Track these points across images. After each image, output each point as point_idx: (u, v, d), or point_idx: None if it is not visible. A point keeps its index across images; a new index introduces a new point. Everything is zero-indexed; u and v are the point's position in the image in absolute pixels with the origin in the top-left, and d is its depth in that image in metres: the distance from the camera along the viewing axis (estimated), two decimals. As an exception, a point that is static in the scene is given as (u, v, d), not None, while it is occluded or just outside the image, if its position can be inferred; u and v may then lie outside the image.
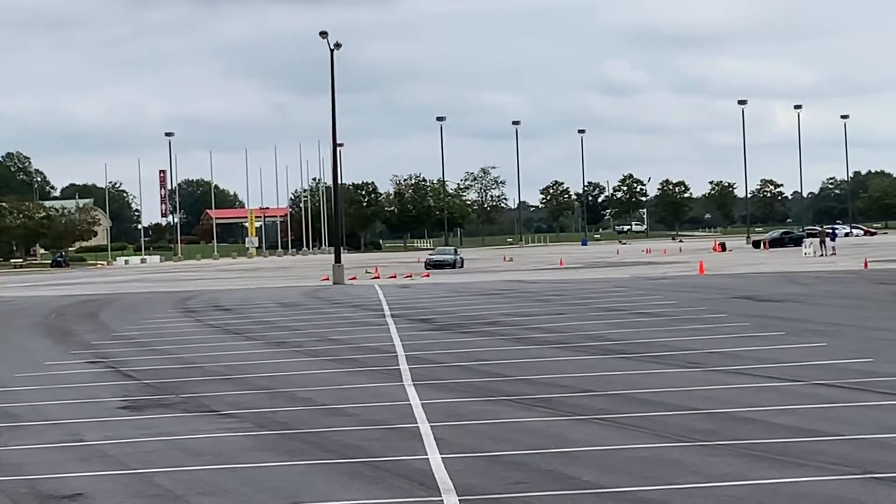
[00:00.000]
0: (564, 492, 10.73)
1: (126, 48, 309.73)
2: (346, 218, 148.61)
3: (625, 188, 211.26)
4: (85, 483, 11.79)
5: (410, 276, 62.56)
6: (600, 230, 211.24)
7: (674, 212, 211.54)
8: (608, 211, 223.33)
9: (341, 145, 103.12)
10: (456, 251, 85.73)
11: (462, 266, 76.98)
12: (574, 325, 27.93)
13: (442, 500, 10.52)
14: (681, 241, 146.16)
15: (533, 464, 11.98)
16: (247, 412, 16.13)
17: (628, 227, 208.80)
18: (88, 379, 20.75)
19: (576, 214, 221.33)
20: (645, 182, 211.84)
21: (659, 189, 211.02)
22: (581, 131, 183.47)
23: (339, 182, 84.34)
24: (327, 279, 60.00)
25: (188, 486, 11.55)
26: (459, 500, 10.50)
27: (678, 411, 14.90)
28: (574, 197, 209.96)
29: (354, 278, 61.45)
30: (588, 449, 12.65)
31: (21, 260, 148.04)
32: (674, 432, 13.39)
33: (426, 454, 12.59)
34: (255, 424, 15.09)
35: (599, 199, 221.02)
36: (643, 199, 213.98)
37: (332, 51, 63.17)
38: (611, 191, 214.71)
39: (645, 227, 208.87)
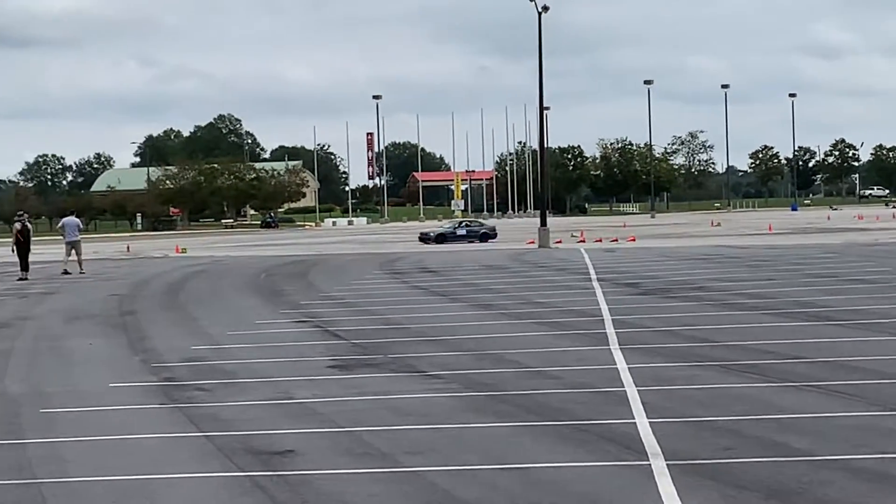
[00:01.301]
0: (775, 458, 10.52)
1: (334, 11, 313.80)
2: (552, 181, 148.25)
3: (836, 153, 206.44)
4: (295, 440, 12.00)
5: (616, 241, 62.20)
6: (810, 195, 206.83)
7: (887, 177, 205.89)
8: (819, 176, 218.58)
9: (547, 109, 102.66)
10: (479, 222, 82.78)
11: (492, 237, 73.01)
12: (783, 291, 27.40)
13: (650, 464, 10.41)
14: (894, 206, 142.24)
15: (741, 430, 11.78)
16: (453, 373, 16.21)
17: (869, 191, 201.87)
18: (297, 338, 21.10)
19: (785, 179, 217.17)
20: (857, 147, 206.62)
21: (872, 154, 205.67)
22: (792, 95, 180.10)
23: (546, 146, 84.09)
24: (533, 242, 60.04)
25: (396, 444, 11.66)
26: (667, 464, 10.38)
27: (894, 380, 14.50)
28: (784, 162, 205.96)
29: (560, 242, 61.35)
30: (799, 416, 12.39)
31: (232, 221, 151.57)
32: (890, 402, 13.02)
33: (633, 418, 12.49)
34: (462, 385, 15.16)
35: (810, 164, 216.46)
36: (855, 164, 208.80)
37: (539, 14, 62.97)
38: (822, 156, 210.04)
39: (886, 191, 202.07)
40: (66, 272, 43.33)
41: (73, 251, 44.71)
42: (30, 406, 14.46)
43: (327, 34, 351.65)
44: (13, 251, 42.67)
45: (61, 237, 46.54)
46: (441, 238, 71.89)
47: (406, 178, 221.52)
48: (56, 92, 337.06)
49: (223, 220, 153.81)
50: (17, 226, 43.05)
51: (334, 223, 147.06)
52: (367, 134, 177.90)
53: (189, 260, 55.78)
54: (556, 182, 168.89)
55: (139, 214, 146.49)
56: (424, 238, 72.67)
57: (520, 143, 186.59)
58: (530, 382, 15.20)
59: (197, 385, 15.85)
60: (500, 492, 9.81)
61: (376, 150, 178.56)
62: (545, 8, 62.90)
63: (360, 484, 10.22)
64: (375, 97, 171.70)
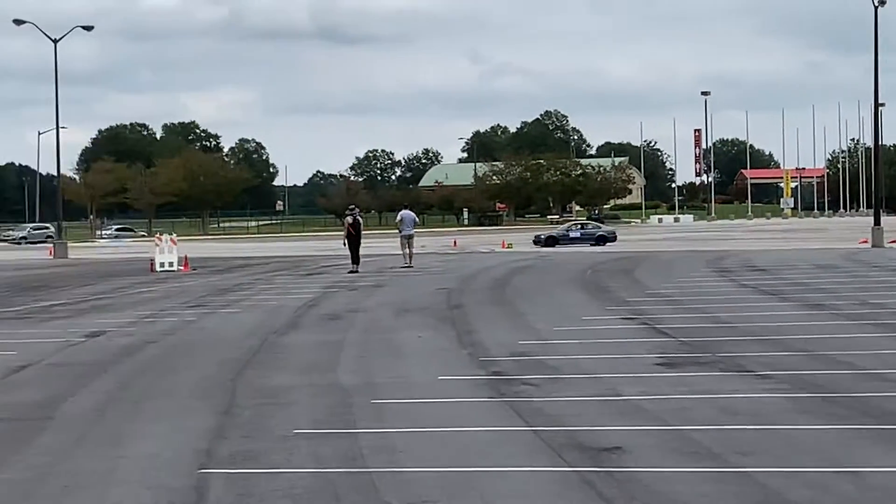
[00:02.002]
0: None
1: (661, 6, 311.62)
2: (887, 180, 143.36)
3: None
4: (623, 437, 11.89)
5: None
6: None
7: None
8: None
9: (883, 105, 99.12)
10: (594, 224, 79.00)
11: (610, 240, 69.87)
12: None
13: None
14: None
15: None
16: (783, 374, 15.79)
17: None
18: (623, 335, 20.97)
19: None
20: None
21: None
22: None
23: (880, 143, 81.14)
24: (865, 242, 58.18)
25: (725, 444, 11.42)
26: None
27: None
28: None
29: (895, 241, 59.24)
30: None
31: (557, 216, 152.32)
32: None
33: (977, 426, 11.88)
34: (792, 386, 14.75)
35: None
36: None
37: (875, 7, 60.89)
38: None
39: None
40: (408, 265, 44.38)
41: (408, 244, 45.79)
42: (361, 397, 14.79)
43: (653, 30, 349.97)
44: (344, 244, 43.94)
45: (397, 231, 47.76)
46: (551, 241, 70.07)
47: (734, 176, 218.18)
48: (386, 88, 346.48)
49: (549, 216, 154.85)
50: (349, 219, 44.33)
51: (660, 220, 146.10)
52: (695, 130, 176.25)
53: (515, 255, 56.34)
54: (891, 181, 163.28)
55: (466, 209, 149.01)
56: (537, 241, 70.91)
57: (852, 140, 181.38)
58: (865, 385, 14.67)
59: (524, 379, 15.91)
60: (833, 495, 9.49)
61: (704, 146, 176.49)
62: (882, 1, 60.78)
63: (689, 483, 10.04)
64: (704, 93, 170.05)
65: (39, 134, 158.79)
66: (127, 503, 9.83)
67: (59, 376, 17.17)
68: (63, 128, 79.30)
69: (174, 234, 50.77)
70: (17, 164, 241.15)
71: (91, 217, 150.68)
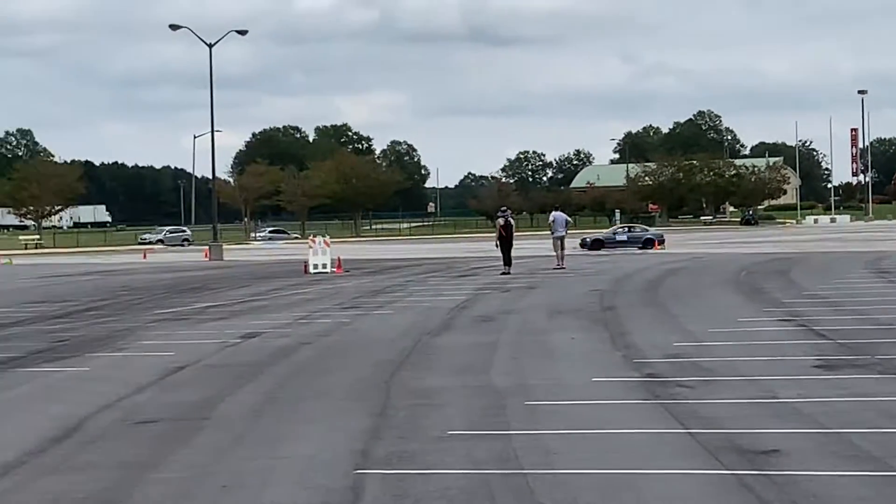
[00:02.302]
0: None
1: (816, 4, 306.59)
2: None
3: None
4: (780, 439, 11.70)
5: None
6: None
7: None
8: None
9: None
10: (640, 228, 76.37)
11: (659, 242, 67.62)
12: None
13: None
14: None
15: None
16: (947, 377, 15.41)
17: None
18: (780, 336, 20.65)
19: None
20: None
21: None
22: None
23: None
24: None
25: (885, 448, 11.18)
26: None
27: None
28: None
29: None
30: None
31: (710, 217, 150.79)
32: None
33: None
34: (956, 390, 14.38)
35: None
36: None
37: None
38: None
39: None
40: (560, 266, 44.35)
41: (560, 246, 45.75)
42: (515, 398, 14.77)
43: (808, 27, 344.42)
44: (496, 246, 43.97)
45: (549, 232, 47.71)
46: (597, 244, 68.92)
47: (892, 176, 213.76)
48: (537, 89, 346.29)
49: (702, 217, 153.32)
50: (501, 221, 44.35)
51: (815, 221, 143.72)
52: (851, 130, 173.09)
53: (668, 256, 55.87)
54: None
55: (617, 210, 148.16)
56: (583, 244, 69.80)
57: None
58: None
59: (678, 381, 15.75)
60: None
61: (861, 146, 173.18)
62: None
63: (849, 487, 9.85)
64: (860, 92, 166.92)
65: (195, 137, 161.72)
66: (284, 502, 9.94)
67: (217, 377, 17.45)
68: (218, 131, 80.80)
69: (327, 236, 51.32)
70: (172, 167, 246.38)
71: (245, 219, 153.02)
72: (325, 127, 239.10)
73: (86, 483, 10.66)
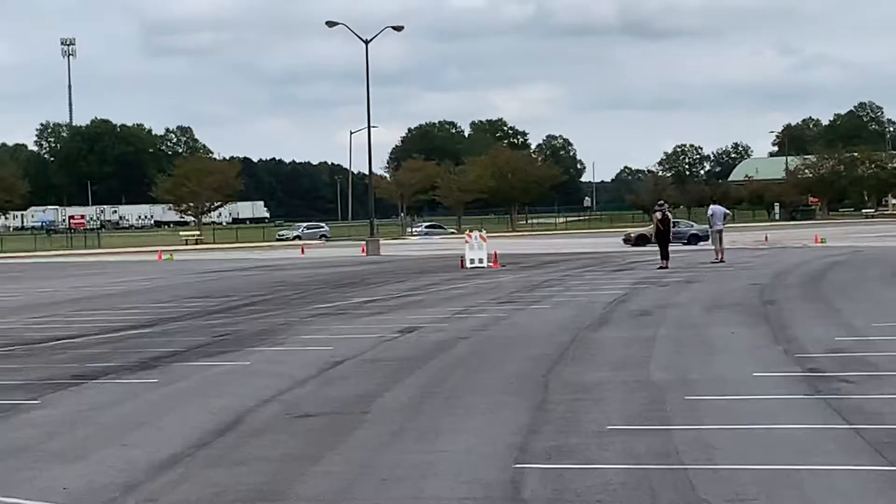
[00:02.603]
0: None
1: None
2: None
3: None
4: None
5: None
6: None
7: None
8: None
9: None
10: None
11: (703, 238, 65.34)
12: None
13: None
14: None
15: None
16: None
17: None
18: (948, 331, 20.14)
19: None
20: None
21: None
22: None
23: None
24: None
25: None
26: None
27: None
28: None
29: None
30: None
31: (872, 210, 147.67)
32: None
33: None
34: None
35: None
36: None
37: None
38: None
39: None
40: (720, 260, 43.90)
41: (719, 239, 45.28)
42: (674, 393, 14.63)
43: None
44: (653, 240, 43.64)
45: (707, 226, 47.21)
46: (642, 240, 67.47)
47: None
48: (694, 82, 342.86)
49: (863, 210, 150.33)
50: (658, 215, 43.98)
51: None
52: None
53: (828, 250, 54.90)
54: None
55: (777, 204, 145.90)
56: (627, 239, 69.52)
57: None
58: None
59: (842, 377, 15.46)
60: None
61: None
62: None
63: None
64: None
65: (351, 133, 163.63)
66: (444, 496, 9.97)
67: (375, 371, 17.57)
68: (374, 127, 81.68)
69: (483, 231, 51.40)
70: (329, 163, 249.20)
71: (401, 214, 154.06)
72: (481, 122, 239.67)
73: (248, 475, 10.81)
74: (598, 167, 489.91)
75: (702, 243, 66.96)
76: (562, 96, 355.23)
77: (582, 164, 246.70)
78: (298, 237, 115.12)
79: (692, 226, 76.54)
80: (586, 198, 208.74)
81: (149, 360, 19.46)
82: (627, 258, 52.10)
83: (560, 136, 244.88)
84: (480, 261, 47.52)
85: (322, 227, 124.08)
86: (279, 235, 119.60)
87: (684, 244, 67.33)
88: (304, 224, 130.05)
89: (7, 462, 11.60)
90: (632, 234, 72.08)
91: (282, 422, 13.57)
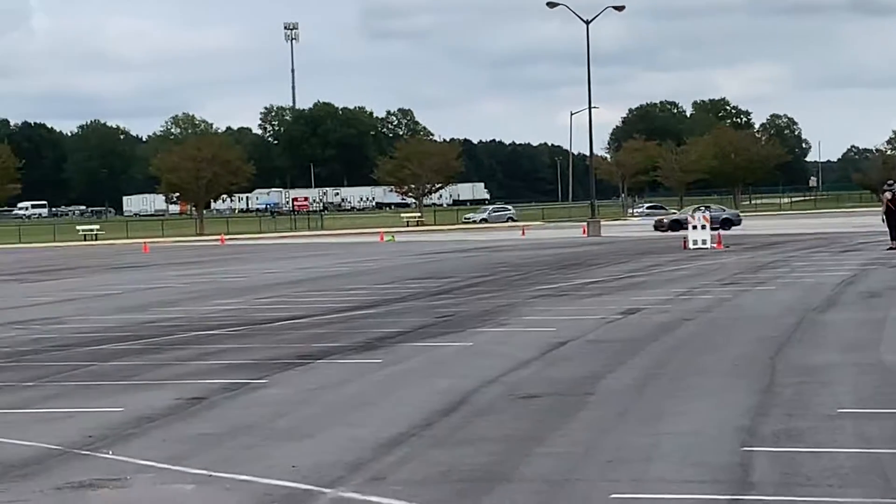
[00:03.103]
0: None
1: None
2: None
3: None
4: None
5: None
6: None
7: None
8: None
9: None
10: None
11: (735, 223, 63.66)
12: None
13: None
14: None
15: None
16: None
17: None
18: None
19: None
20: None
21: None
22: None
23: None
24: None
25: None
26: None
27: None
28: None
29: None
30: None
31: None
32: None
33: None
34: None
35: None
36: None
37: None
38: None
39: None
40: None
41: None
42: (908, 376, 14.20)
43: None
44: (883, 220, 42.38)
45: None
46: (676, 225, 65.40)
47: None
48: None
49: None
50: (887, 195, 42.68)
51: None
52: None
53: None
54: None
55: None
56: (659, 226, 68.50)
57: None
58: None
59: None
60: None
61: None
62: None
63: None
64: None
65: (571, 114, 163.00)
66: (669, 479, 9.83)
67: (598, 352, 17.46)
68: (595, 108, 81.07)
69: (706, 212, 50.73)
70: (549, 144, 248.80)
71: (622, 195, 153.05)
72: (702, 101, 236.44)
73: (474, 456, 10.83)
74: (824, 146, 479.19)
75: (734, 227, 66.60)
76: (786, 75, 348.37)
77: (807, 143, 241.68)
78: (485, 220, 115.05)
79: (724, 210, 75.70)
80: (811, 178, 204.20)
81: (373, 340, 19.70)
82: (855, 239, 50.78)
83: (784, 115, 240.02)
84: (704, 242, 46.92)
85: (508, 210, 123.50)
86: (465, 218, 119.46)
87: (714, 229, 66.46)
88: (491, 207, 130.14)
89: (237, 440, 11.85)
90: (665, 220, 71.70)
91: (505, 402, 13.57)
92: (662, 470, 10.09)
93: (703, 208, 75.88)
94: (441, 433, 11.92)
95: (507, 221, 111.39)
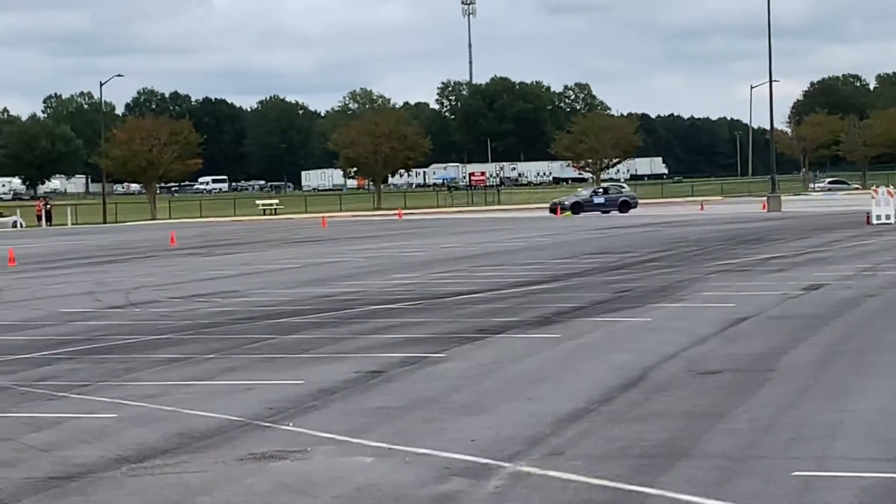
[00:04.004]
0: None
1: None
2: None
3: None
4: None
5: None
6: None
7: None
8: None
9: None
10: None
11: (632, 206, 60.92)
12: None
13: None
14: None
15: None
16: None
17: None
18: None
19: None
20: None
21: None
22: None
23: None
24: None
25: None
26: None
27: None
28: None
29: None
30: None
31: None
32: None
33: None
34: None
35: None
36: None
37: None
38: None
39: None
40: None
41: None
42: None
43: None
44: None
45: None
46: (577, 207, 65.69)
47: None
48: None
49: None
50: None
51: None
52: None
53: None
54: None
55: None
56: (558, 207, 67.04)
57: None
58: None
59: None
60: None
61: None
62: None
63: None
64: None
65: (751, 88, 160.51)
66: (853, 456, 9.60)
67: (779, 329, 17.16)
68: (775, 81, 79.65)
69: (891, 187, 49.53)
70: (728, 118, 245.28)
71: (803, 170, 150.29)
72: (887, 74, 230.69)
73: (653, 431, 10.71)
74: None
75: (632, 211, 65.60)
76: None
77: None
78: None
79: (621, 191, 74.97)
80: None
81: (550, 315, 19.65)
82: None
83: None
84: (888, 217, 45.86)
85: (624, 189, 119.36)
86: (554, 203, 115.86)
87: (606, 212, 65.57)
88: (591, 189, 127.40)
89: (416, 413, 11.92)
90: (565, 202, 71.49)
91: (685, 378, 13.41)
92: (846, 448, 9.88)
93: (601, 189, 75.06)
94: (619, 408, 11.83)
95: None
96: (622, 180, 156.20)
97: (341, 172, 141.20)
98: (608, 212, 68.44)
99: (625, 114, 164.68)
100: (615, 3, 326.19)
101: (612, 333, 17.46)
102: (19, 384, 14.36)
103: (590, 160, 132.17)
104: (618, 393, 12.64)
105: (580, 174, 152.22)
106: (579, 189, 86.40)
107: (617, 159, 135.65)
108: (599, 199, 71.07)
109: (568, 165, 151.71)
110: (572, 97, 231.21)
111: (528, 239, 45.20)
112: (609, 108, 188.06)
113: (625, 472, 9.35)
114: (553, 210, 70.69)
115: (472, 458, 9.94)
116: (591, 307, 20.66)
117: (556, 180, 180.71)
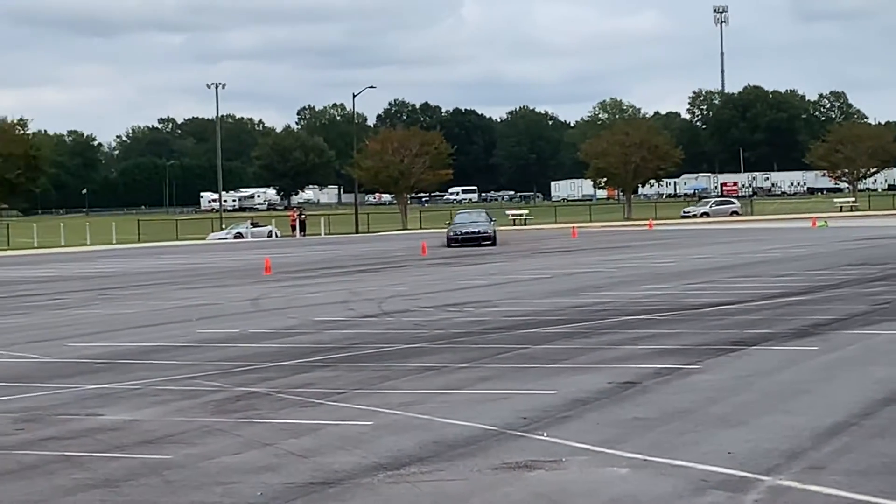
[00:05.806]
0: None
1: None
2: None
3: None
4: None
5: None
6: None
7: None
8: None
9: None
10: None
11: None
12: None
13: None
14: None
15: None
16: None
17: None
18: None
19: None
20: None
21: None
22: None
23: None
24: None
25: None
26: None
27: None
28: None
29: None
30: None
31: None
32: None
33: None
34: None
35: None
36: None
37: None
38: None
39: None
40: None
41: None
42: None
43: None
44: None
45: None
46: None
47: None
48: None
49: None
50: None
51: None
52: None
53: None
54: None
55: None
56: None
57: None
58: None
59: None
60: None
61: None
62: None
63: None
64: None
65: None
66: None
67: None
68: None
69: None
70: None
71: None
72: None
73: (917, 448, 10.37)
74: None
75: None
76: None
77: None
78: (706, 213, 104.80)
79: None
80: None
81: (807, 327, 19.22)
82: None
83: None
84: None
85: (733, 204, 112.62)
86: (685, 212, 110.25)
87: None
88: (713, 199, 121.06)
89: (670, 425, 11.78)
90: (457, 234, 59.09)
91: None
92: None
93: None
94: (881, 423, 11.50)
95: (730, 215, 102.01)
96: (879, 190, 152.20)
97: (591, 182, 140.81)
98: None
99: (882, 122, 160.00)
100: (871, 8, 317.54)
101: (872, 346, 16.98)
102: (277, 391, 14.74)
103: (846, 170, 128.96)
104: (879, 407, 12.27)
105: (836, 184, 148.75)
106: None
107: (874, 168, 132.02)
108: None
109: (823, 175, 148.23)
110: (827, 106, 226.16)
111: (783, 249, 44.29)
112: (866, 117, 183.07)
113: (889, 489, 9.08)
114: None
115: (730, 470, 9.78)
116: (849, 319, 20.13)
117: (811, 190, 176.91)
